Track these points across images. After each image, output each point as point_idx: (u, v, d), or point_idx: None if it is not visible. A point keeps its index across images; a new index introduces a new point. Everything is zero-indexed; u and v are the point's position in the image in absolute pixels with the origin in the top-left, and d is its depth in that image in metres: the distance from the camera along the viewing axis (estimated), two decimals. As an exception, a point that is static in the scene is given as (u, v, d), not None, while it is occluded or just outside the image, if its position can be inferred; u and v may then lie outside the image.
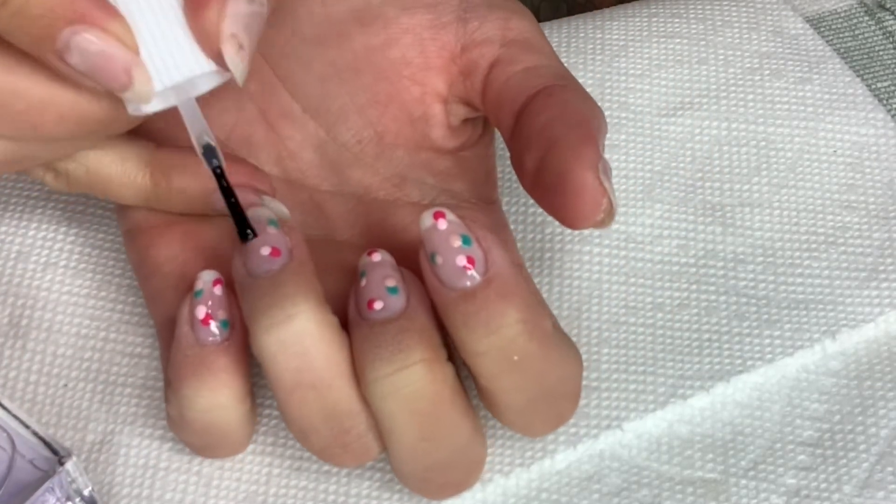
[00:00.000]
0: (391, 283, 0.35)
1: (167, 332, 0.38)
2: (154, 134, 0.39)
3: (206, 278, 0.37)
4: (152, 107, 0.34)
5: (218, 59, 0.33)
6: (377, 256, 0.36)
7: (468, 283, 0.34)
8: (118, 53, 0.33)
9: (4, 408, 0.36)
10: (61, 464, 0.35)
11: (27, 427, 0.36)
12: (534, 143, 0.37)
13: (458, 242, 0.34)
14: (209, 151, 0.34)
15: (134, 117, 0.35)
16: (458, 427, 0.35)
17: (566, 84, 0.38)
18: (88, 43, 0.32)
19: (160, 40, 0.33)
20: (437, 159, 0.41)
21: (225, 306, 0.37)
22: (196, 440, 0.38)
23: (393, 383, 0.34)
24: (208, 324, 0.36)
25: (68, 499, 0.36)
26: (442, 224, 0.35)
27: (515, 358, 0.34)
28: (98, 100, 0.34)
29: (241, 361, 0.36)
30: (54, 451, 0.36)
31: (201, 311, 0.36)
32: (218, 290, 0.37)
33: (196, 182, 0.39)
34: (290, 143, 0.41)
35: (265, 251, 0.35)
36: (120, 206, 0.42)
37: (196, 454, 0.39)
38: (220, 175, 0.35)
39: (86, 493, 0.36)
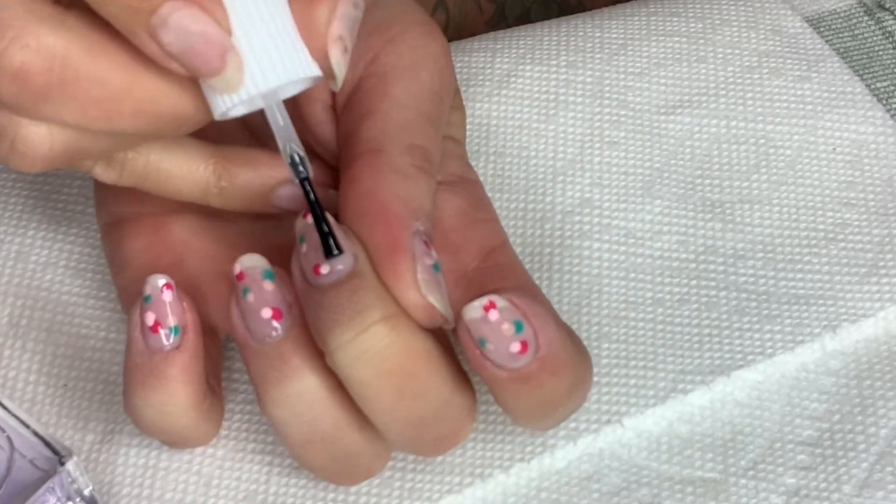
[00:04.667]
0: None
1: None
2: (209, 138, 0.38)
3: (154, 283, 0.36)
4: (238, 110, 0.32)
5: (322, 60, 0.32)
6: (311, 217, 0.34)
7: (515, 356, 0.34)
8: (216, 36, 0.31)
9: (4, 407, 0.36)
10: (62, 463, 0.35)
11: (27, 427, 0.36)
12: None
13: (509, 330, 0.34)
14: (297, 161, 0.33)
15: (219, 119, 0.32)
16: (437, 379, 0.34)
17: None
18: (189, 21, 0.30)
19: (263, 40, 0.31)
20: None
21: (176, 311, 0.35)
22: (157, 438, 0.37)
23: (357, 347, 0.32)
24: (157, 331, 0.35)
25: (69, 499, 0.36)
26: (493, 314, 0.34)
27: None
28: (179, 95, 0.32)
29: (192, 368, 0.35)
30: (55, 451, 0.36)
31: (150, 318, 0.35)
32: (167, 295, 0.35)
33: (259, 179, 0.37)
34: None
35: (266, 314, 0.34)
36: (100, 199, 0.41)
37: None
38: (307, 188, 0.33)
39: (86, 492, 0.36)
